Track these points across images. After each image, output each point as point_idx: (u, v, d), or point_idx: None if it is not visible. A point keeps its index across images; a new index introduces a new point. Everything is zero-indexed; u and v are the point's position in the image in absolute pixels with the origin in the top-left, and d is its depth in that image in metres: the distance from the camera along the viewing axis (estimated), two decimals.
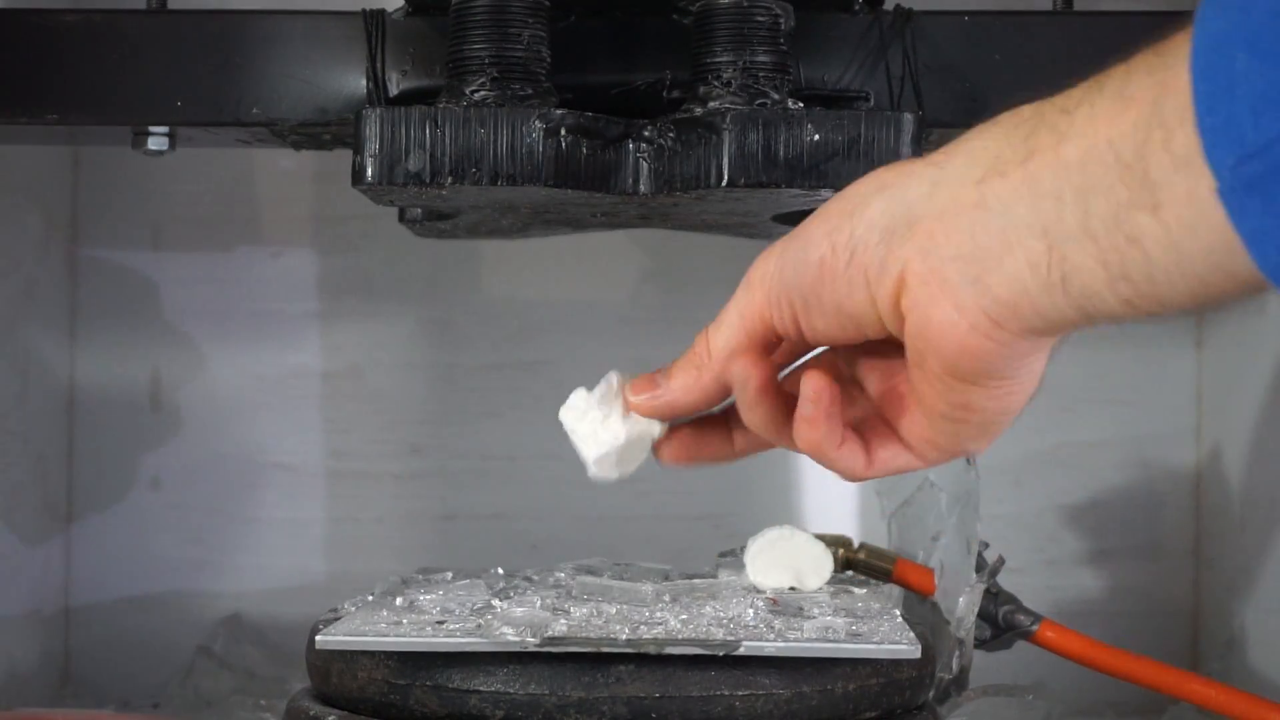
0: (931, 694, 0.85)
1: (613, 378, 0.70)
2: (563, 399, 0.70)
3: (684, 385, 0.67)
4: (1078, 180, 0.51)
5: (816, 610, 0.86)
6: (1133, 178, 0.49)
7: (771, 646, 0.77)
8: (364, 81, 0.95)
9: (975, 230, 0.54)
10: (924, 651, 0.79)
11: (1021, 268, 0.53)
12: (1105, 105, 0.50)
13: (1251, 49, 0.45)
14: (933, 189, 0.56)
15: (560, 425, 0.70)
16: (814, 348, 0.66)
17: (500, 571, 0.99)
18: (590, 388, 0.70)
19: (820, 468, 0.65)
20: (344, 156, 0.90)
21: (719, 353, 0.65)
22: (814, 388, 0.62)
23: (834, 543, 0.99)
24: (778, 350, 0.66)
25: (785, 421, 0.65)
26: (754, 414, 0.65)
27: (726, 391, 0.66)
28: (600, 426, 0.69)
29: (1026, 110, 0.54)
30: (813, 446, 0.64)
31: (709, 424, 0.70)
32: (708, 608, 0.85)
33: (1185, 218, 0.48)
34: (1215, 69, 0.46)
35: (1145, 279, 0.50)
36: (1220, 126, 0.46)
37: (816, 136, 0.87)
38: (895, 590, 0.98)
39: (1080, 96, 0.52)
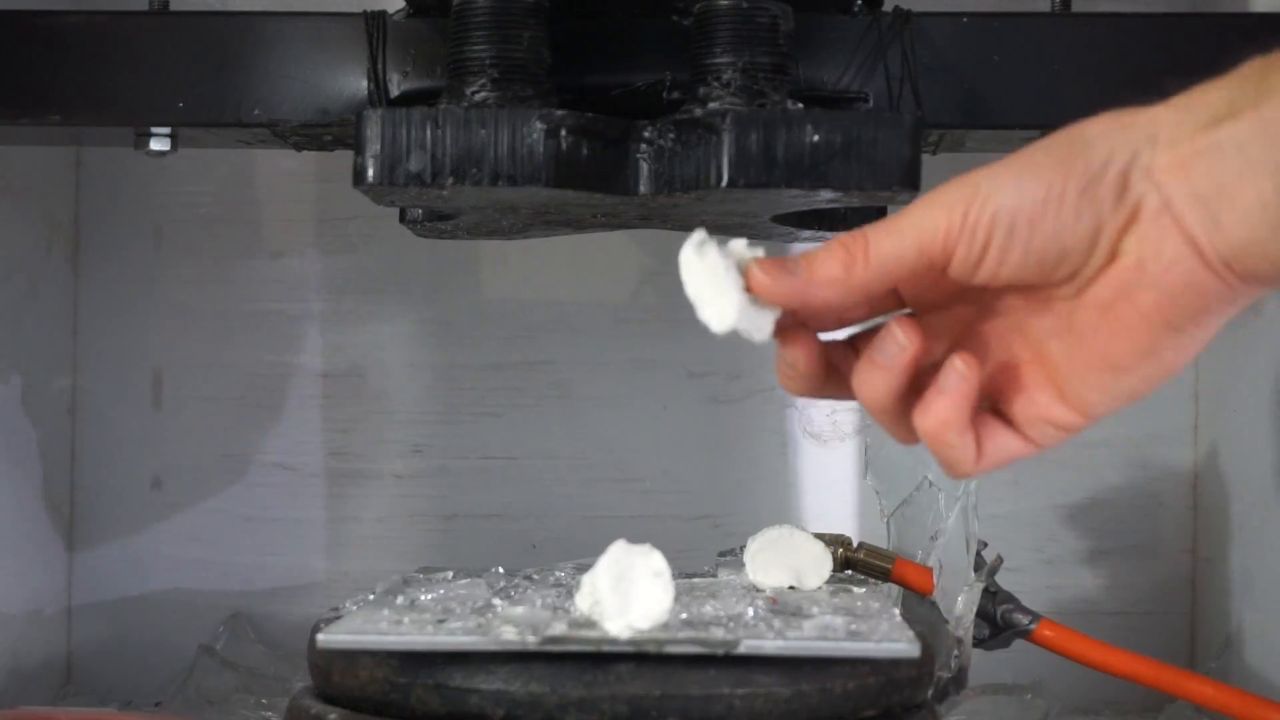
0: (930, 693, 0.85)
1: (739, 243, 0.62)
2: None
3: (826, 278, 0.59)
4: None
5: (816, 609, 0.86)
6: None
7: (771, 645, 0.77)
8: (365, 83, 0.96)
9: (1212, 170, 0.55)
10: (923, 650, 0.80)
11: (1253, 208, 0.54)
12: None
13: None
14: (1172, 130, 0.56)
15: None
16: (948, 303, 0.61)
17: (501, 571, 0.99)
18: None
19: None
20: (345, 157, 0.91)
21: (882, 261, 0.59)
22: (963, 360, 0.59)
23: (833, 542, 0.99)
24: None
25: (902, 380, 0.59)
26: (896, 360, 0.59)
27: (864, 307, 0.61)
28: (724, 274, 0.62)
29: (1256, 61, 0.56)
30: (940, 427, 0.59)
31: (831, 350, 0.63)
32: (707, 607, 0.85)
33: None
34: None
35: None
36: None
37: (816, 137, 0.87)
38: (894, 589, 0.98)
39: None
